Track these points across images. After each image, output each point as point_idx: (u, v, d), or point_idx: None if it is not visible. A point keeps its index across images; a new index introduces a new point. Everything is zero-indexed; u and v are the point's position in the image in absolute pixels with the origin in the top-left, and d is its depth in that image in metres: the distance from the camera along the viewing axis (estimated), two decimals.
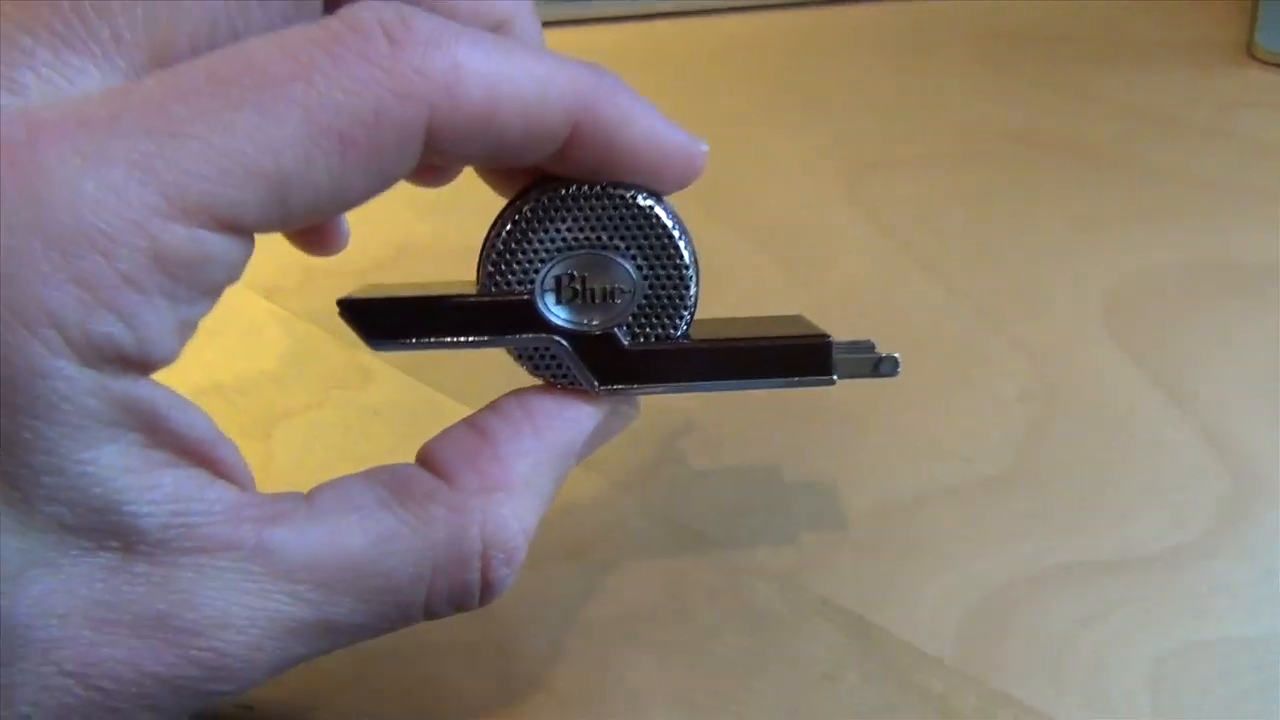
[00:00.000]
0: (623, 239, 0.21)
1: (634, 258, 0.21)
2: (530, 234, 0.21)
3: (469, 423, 0.21)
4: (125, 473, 0.17)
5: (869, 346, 0.23)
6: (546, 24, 0.43)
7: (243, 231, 0.17)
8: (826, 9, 0.51)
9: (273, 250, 0.18)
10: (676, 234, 0.21)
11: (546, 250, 0.21)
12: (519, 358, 0.22)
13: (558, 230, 0.21)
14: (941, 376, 0.32)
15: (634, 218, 0.21)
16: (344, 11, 0.17)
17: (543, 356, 0.21)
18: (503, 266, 0.21)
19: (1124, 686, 0.24)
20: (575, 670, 0.25)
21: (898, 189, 0.40)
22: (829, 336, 0.22)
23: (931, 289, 0.35)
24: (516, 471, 0.20)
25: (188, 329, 0.17)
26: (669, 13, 0.50)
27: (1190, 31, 0.48)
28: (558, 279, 0.21)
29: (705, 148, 0.21)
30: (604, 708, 0.24)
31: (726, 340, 0.22)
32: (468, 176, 0.24)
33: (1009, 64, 0.46)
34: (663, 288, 0.21)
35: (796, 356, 0.22)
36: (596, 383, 0.21)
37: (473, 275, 0.21)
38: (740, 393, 0.22)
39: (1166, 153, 0.41)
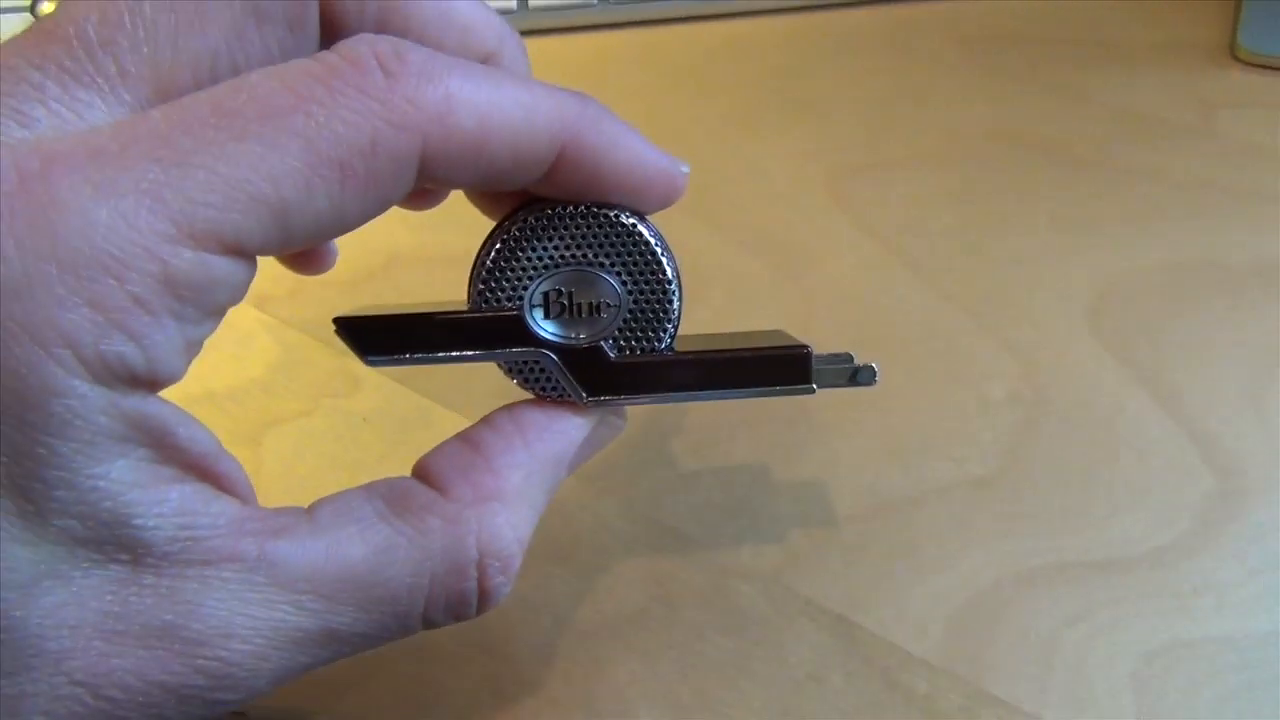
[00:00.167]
0: (608, 256, 0.22)
1: (619, 274, 0.22)
2: (519, 252, 0.21)
3: (462, 437, 0.21)
4: (134, 487, 0.17)
5: (848, 358, 0.23)
6: (534, 32, 0.43)
7: (246, 255, 0.18)
8: (812, 14, 0.51)
9: (264, 261, 0.18)
10: (659, 251, 0.22)
11: (534, 267, 0.22)
12: (509, 372, 0.22)
13: (545, 248, 0.21)
14: (928, 378, 0.32)
15: (618, 236, 0.21)
16: (340, 45, 0.18)
17: (532, 370, 0.22)
18: (492, 284, 0.22)
19: (1109, 686, 0.24)
20: (563, 672, 0.25)
21: (884, 191, 0.39)
22: (809, 347, 0.23)
23: (919, 291, 0.35)
24: (510, 483, 0.21)
25: (194, 348, 0.18)
26: (657, 19, 0.51)
27: (1173, 33, 0.47)
28: (545, 295, 0.22)
29: (686, 169, 0.21)
30: (591, 709, 0.24)
31: (709, 352, 0.23)
32: (456, 191, 0.25)
33: (994, 66, 0.46)
34: (647, 302, 0.22)
35: (777, 367, 0.23)
36: (584, 394, 0.22)
37: (463, 291, 0.22)
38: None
39: (1151, 154, 0.40)
